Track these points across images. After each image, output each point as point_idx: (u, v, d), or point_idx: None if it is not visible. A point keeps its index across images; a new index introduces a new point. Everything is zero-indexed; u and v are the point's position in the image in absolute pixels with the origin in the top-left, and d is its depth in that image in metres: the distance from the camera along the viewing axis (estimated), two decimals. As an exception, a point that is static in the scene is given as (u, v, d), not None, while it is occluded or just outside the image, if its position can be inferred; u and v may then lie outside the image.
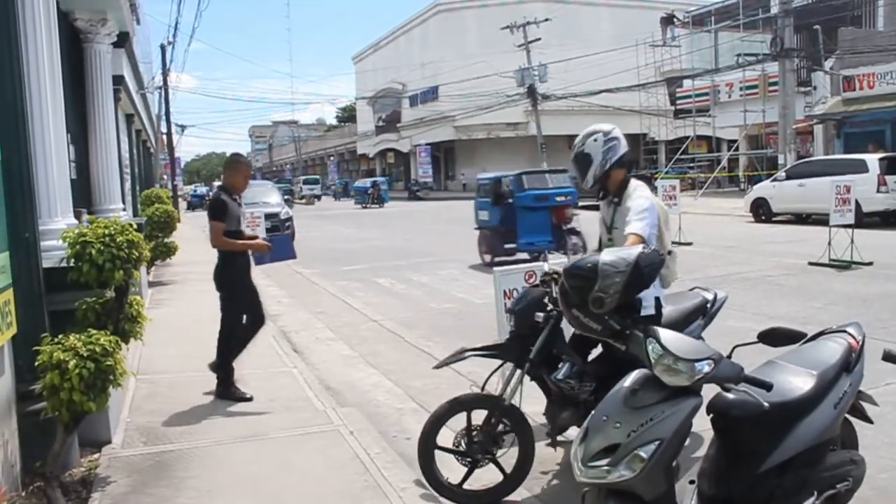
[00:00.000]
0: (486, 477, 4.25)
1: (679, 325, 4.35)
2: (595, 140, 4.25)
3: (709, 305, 4.81)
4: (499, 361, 4.48)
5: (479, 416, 4.23)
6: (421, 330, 8.87)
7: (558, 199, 13.81)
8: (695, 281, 6.46)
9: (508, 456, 4.19)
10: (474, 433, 4.17)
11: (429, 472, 4.14)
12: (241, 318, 6.21)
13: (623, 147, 4.30)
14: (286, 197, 29.87)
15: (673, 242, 16.42)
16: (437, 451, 4.15)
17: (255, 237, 6.33)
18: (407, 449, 5.02)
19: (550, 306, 4.23)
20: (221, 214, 5.93)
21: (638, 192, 4.27)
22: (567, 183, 14.41)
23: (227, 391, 6.05)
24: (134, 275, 4.48)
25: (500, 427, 4.18)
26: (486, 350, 4.34)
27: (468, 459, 4.19)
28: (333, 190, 62.24)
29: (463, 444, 4.20)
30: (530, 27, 40.75)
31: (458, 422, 4.21)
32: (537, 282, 4.72)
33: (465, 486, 4.18)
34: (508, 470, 4.17)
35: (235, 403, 5.87)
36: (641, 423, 2.66)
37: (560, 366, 4.24)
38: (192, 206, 53.91)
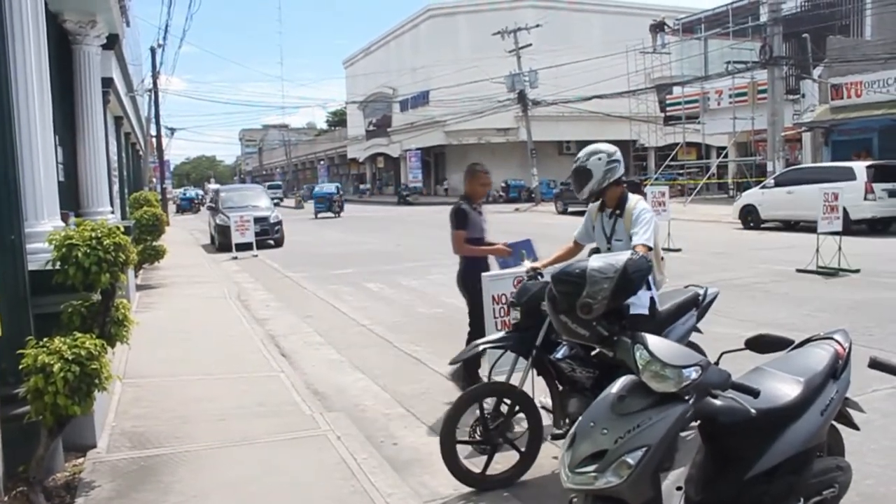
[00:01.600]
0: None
1: (674, 316, 4.70)
2: (599, 159, 4.61)
3: (700, 298, 5.06)
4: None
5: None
6: (409, 334, 8.85)
7: None
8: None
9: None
10: (488, 421, 4.45)
11: (453, 465, 4.35)
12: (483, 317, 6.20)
13: (622, 169, 4.71)
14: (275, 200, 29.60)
15: (662, 248, 16.43)
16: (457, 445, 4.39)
17: (494, 244, 6.22)
18: (394, 454, 5.01)
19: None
20: (463, 223, 6.00)
21: (640, 205, 4.69)
22: None
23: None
24: (120, 278, 4.45)
25: (513, 412, 4.48)
26: (497, 342, 4.62)
27: (486, 447, 4.46)
28: (302, 195, 60.21)
29: (479, 432, 4.46)
30: (521, 33, 40.91)
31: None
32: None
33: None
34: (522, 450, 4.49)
35: (223, 408, 5.82)
36: (629, 429, 2.66)
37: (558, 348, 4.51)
38: (181, 210, 53.75)
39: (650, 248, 4.44)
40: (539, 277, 4.86)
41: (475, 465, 4.49)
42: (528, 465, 4.48)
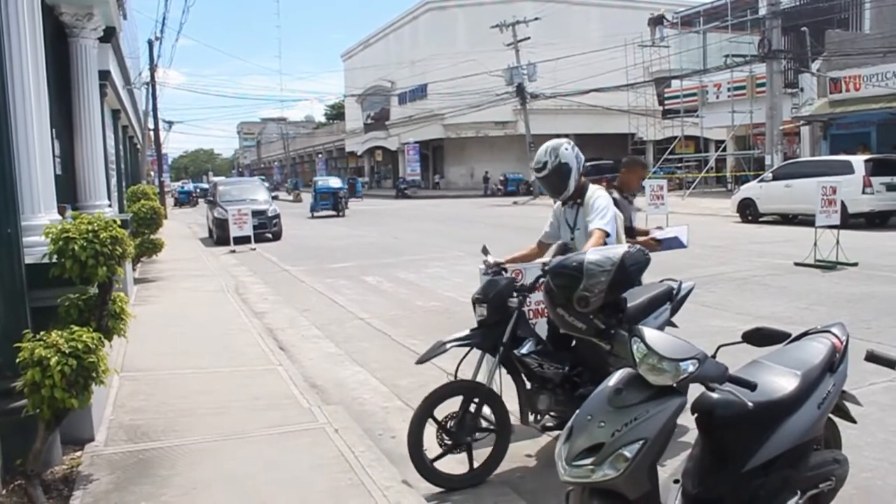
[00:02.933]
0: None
1: (645, 311, 4.56)
2: (566, 150, 4.67)
3: (674, 292, 4.93)
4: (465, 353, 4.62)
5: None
6: (407, 328, 8.85)
7: None
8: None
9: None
10: (449, 424, 4.37)
11: (433, 477, 4.32)
12: None
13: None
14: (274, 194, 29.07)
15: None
16: (431, 458, 4.33)
17: (646, 231, 6.00)
18: (392, 447, 5.01)
19: (516, 292, 4.51)
20: None
21: (598, 193, 4.77)
22: None
23: None
24: (117, 271, 4.44)
25: (480, 409, 4.40)
26: (463, 340, 4.49)
27: (461, 447, 4.38)
28: (288, 188, 58.48)
29: (446, 438, 4.38)
30: (520, 26, 40.81)
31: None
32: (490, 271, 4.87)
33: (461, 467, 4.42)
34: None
35: (221, 401, 5.82)
36: (626, 422, 2.65)
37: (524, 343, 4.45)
38: (179, 203, 53.61)
39: (608, 234, 4.49)
40: (503, 273, 4.81)
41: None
42: (507, 442, 4.43)
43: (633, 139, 43.08)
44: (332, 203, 32.46)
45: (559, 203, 4.97)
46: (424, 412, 4.32)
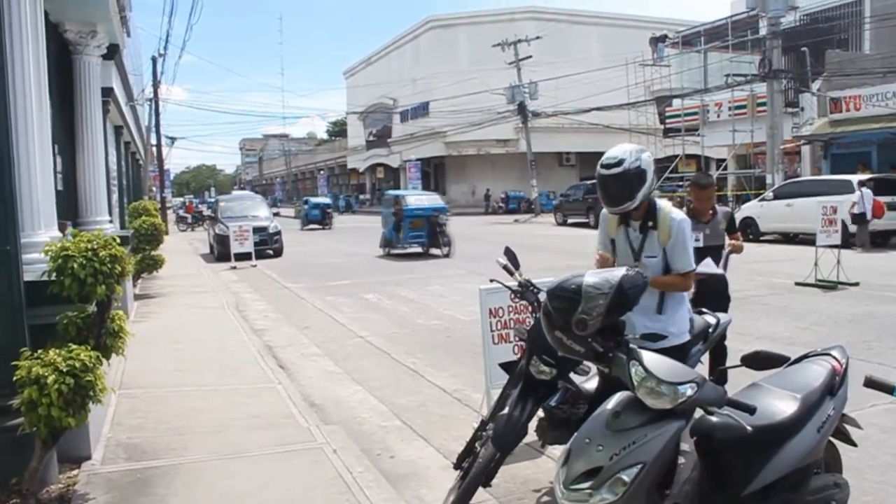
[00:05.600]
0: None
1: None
2: (649, 157, 3.89)
3: (710, 330, 4.65)
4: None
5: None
6: (407, 346, 8.83)
7: None
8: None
9: None
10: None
11: None
12: None
13: None
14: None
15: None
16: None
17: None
18: (390, 467, 4.99)
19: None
20: None
21: (674, 214, 4.00)
22: None
23: None
24: (116, 290, 4.44)
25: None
26: (521, 391, 4.13)
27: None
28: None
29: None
30: (521, 45, 41.06)
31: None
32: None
33: None
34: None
35: (220, 420, 5.80)
36: (624, 446, 2.64)
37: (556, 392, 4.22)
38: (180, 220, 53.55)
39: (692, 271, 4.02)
40: (532, 290, 4.52)
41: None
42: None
43: (635, 157, 43.06)
44: (426, 234, 20.21)
45: (614, 217, 4.10)
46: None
